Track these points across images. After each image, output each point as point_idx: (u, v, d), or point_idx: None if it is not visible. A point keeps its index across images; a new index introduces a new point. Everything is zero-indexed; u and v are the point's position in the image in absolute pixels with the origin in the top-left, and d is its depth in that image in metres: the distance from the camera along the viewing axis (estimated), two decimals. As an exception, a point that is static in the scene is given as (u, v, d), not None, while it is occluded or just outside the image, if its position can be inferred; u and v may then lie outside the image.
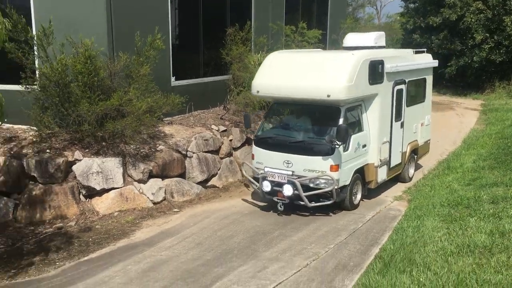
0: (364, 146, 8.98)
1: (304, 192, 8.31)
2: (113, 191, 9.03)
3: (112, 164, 9.06)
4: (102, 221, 8.58)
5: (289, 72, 8.86)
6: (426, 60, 11.26)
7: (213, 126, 11.39)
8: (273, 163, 8.67)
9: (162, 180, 9.61)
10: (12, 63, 8.97)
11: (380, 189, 9.92)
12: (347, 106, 8.59)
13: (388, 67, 9.21)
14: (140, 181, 9.30)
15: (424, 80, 11.16)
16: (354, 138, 8.68)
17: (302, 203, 8.40)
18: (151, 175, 9.45)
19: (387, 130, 9.53)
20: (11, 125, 9.90)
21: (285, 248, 7.17)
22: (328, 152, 8.29)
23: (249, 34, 13.17)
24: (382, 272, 5.88)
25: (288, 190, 8.34)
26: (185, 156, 10.17)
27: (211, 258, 6.89)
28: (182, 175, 10.04)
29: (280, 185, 8.47)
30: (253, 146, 9.19)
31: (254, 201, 9.46)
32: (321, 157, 8.31)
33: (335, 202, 8.51)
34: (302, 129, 8.99)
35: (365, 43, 9.91)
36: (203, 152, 10.51)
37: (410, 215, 8.36)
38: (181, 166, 9.99)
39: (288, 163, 8.52)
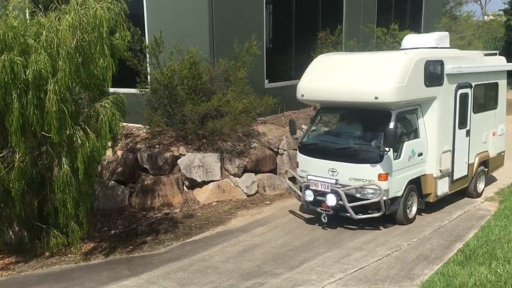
0: (420, 154, 8.29)
1: (350, 202, 7.78)
2: (212, 183, 10.03)
3: (211, 159, 10.06)
4: (202, 210, 9.60)
5: (335, 75, 8.40)
6: (498, 63, 10.19)
7: (303, 126, 12.03)
8: (318, 171, 8.18)
9: (255, 174, 10.44)
10: (129, 70, 10.31)
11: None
12: (399, 110, 7.97)
13: (448, 68, 8.47)
14: (235, 175, 10.21)
15: (496, 84, 10.08)
16: (408, 145, 8.05)
17: (348, 214, 7.86)
18: (246, 170, 10.32)
19: (448, 138, 8.75)
20: (126, 124, 11.30)
21: (369, 240, 7.63)
22: (376, 159, 7.66)
23: (340, 37, 13.64)
24: (462, 264, 6.16)
25: (331, 200, 7.82)
26: (277, 153, 10.93)
27: (299, 245, 7.55)
28: (274, 171, 10.82)
29: (324, 194, 7.98)
30: (298, 153, 8.80)
31: (302, 214, 9.03)
32: (368, 164, 7.72)
33: (385, 215, 7.94)
34: (350, 135, 8.48)
35: (425, 44, 9.11)
36: (293, 150, 11.20)
37: (500, 214, 8.40)
38: (272, 162, 10.77)
39: (333, 171, 8.00)
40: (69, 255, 7.64)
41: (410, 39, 9.61)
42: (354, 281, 6.12)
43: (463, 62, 9.01)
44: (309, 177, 8.28)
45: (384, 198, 7.68)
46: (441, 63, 8.44)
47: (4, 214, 7.42)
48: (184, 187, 10.05)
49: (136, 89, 10.49)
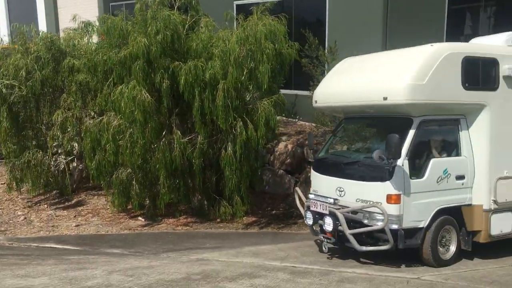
0: (461, 178, 6.54)
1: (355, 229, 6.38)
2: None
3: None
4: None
5: (349, 77, 7.18)
6: None
7: None
8: (326, 191, 6.87)
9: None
10: (304, 74, 11.72)
11: None
12: (425, 118, 6.38)
13: (506, 69, 6.68)
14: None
15: None
16: (437, 163, 6.38)
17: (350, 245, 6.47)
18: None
19: (509, 159, 6.80)
20: (303, 122, 12.80)
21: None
22: (384, 176, 6.14)
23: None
24: None
25: (328, 224, 6.51)
26: None
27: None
28: None
29: (323, 217, 6.71)
30: (312, 170, 7.55)
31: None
32: (376, 182, 6.26)
33: (398, 249, 6.24)
34: (364, 148, 7.33)
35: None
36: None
37: None
38: None
39: (341, 191, 6.65)
40: (234, 223, 9.43)
41: (476, 42, 7.88)
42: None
43: None
44: (310, 196, 7.08)
45: (395, 226, 6.13)
46: (493, 62, 6.69)
47: (190, 185, 9.63)
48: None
49: (309, 92, 11.82)
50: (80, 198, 11.04)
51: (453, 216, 6.53)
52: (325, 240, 6.78)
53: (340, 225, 6.38)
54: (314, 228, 7.11)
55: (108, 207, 10.29)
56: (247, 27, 8.15)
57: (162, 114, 8.92)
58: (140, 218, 9.77)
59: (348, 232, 6.32)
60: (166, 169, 8.67)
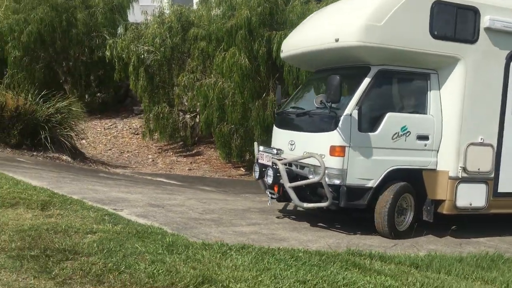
0: (424, 138, 5.80)
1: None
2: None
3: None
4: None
5: (311, 24, 6.72)
6: None
7: None
8: (280, 144, 6.37)
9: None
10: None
11: None
12: (387, 68, 5.68)
13: (486, 20, 5.81)
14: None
15: None
16: (394, 118, 5.67)
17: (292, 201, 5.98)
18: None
19: (487, 125, 5.99)
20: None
21: None
22: (329, 126, 5.55)
23: None
24: None
25: (270, 176, 5.94)
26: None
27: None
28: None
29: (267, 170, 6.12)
30: (274, 125, 7.03)
31: None
32: (322, 133, 5.71)
33: (341, 209, 5.67)
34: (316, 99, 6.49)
35: None
36: None
37: None
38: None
39: (292, 144, 6.16)
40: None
41: None
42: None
43: None
44: (260, 149, 6.47)
45: (337, 182, 5.51)
46: (472, 10, 5.85)
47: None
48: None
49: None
50: (199, 150, 12.96)
51: (412, 181, 5.84)
52: (270, 194, 6.27)
53: (281, 178, 5.85)
54: (265, 182, 6.40)
55: (220, 159, 11.98)
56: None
57: (261, 78, 10.14)
58: (241, 168, 11.25)
59: (288, 185, 5.78)
60: (260, 126, 9.92)
